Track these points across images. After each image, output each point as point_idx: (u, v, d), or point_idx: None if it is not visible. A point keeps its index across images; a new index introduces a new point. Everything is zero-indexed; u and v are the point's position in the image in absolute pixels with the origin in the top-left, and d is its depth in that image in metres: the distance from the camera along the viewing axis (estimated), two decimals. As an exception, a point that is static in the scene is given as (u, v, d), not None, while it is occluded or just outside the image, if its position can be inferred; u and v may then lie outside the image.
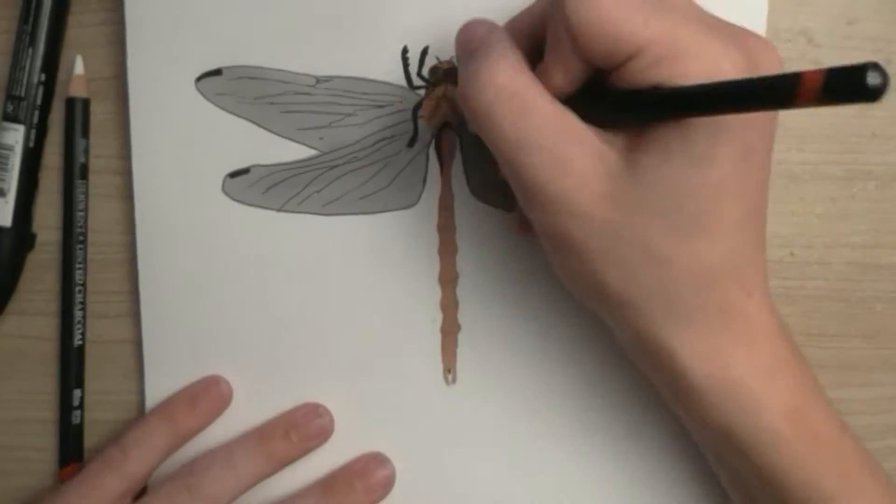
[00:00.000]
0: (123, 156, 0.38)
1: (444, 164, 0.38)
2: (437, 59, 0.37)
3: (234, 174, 0.38)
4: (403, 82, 0.37)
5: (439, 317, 0.38)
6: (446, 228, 0.38)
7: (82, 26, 0.38)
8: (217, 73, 0.37)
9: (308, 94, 0.37)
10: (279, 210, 0.38)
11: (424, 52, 0.37)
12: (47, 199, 0.39)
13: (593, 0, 0.28)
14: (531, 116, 0.29)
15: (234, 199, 0.38)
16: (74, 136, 0.38)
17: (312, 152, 0.38)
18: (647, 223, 0.29)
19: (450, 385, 0.38)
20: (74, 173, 0.38)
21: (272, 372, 0.39)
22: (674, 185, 0.28)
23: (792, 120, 0.38)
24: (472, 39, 0.32)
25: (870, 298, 0.39)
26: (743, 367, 0.30)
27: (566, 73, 0.30)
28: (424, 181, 0.38)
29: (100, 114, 0.39)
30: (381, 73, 0.37)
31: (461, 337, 0.38)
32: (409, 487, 0.39)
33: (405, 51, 0.37)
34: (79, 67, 0.38)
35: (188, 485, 0.37)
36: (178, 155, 0.38)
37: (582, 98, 0.30)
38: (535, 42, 0.32)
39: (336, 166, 0.38)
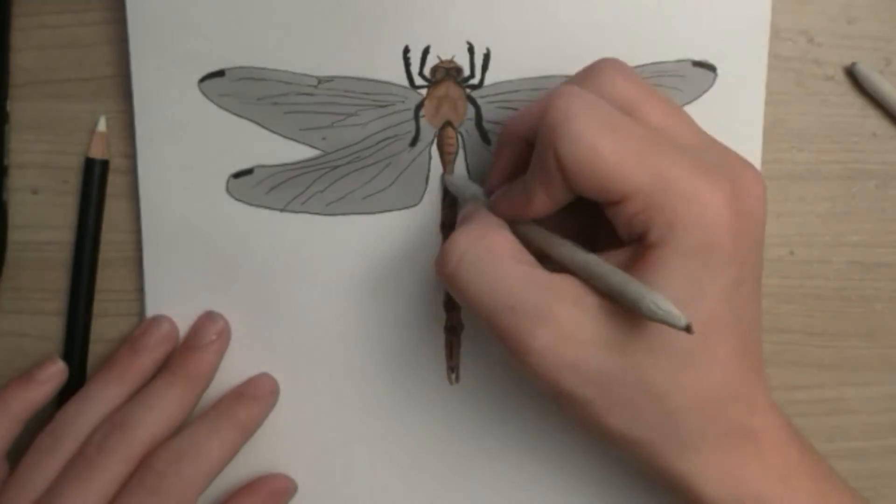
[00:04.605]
0: (127, 155, 0.38)
1: (446, 163, 0.38)
2: (439, 58, 0.37)
3: (237, 175, 0.38)
4: (405, 82, 0.37)
5: (443, 316, 0.38)
6: (449, 227, 0.38)
7: (83, 24, 0.38)
8: (220, 74, 0.37)
9: (310, 94, 0.37)
10: (283, 210, 0.38)
11: (426, 52, 0.37)
12: (49, 198, 0.39)
13: (586, 140, 0.28)
14: (497, 279, 0.29)
15: (237, 200, 0.38)
16: (91, 199, 0.38)
17: (315, 152, 0.38)
18: (638, 362, 0.29)
19: (453, 384, 0.39)
20: (86, 237, 0.38)
21: (276, 372, 0.39)
22: (660, 326, 0.28)
23: (792, 119, 0.38)
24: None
25: (870, 297, 0.39)
26: (757, 480, 0.30)
27: (549, 197, 0.30)
28: (427, 180, 0.38)
29: (102, 112, 0.39)
30: (383, 72, 0.37)
31: (465, 336, 0.38)
32: (412, 486, 0.39)
33: (406, 50, 0.37)
34: (102, 126, 0.38)
35: (149, 487, 0.34)
36: (183, 156, 0.38)
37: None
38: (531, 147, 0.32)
39: (339, 166, 0.38)
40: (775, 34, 0.37)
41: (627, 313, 0.28)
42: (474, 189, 0.36)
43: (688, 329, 0.26)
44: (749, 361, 0.30)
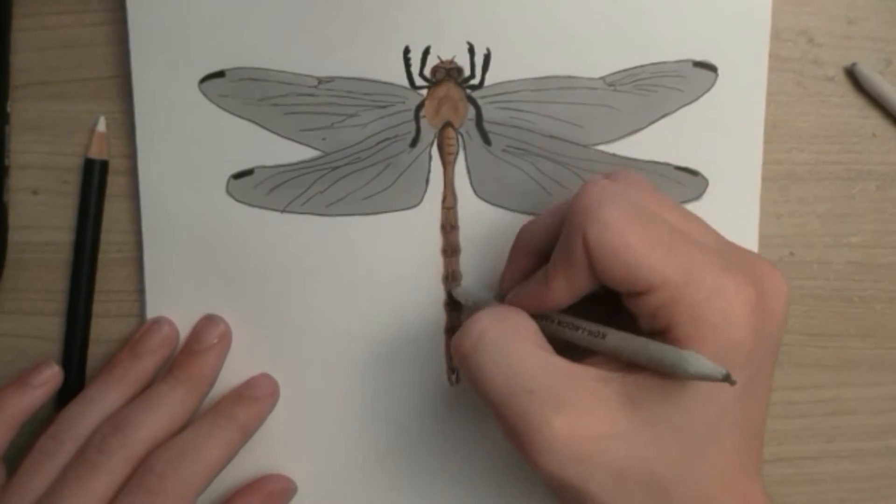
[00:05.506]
0: (127, 155, 0.38)
1: (446, 164, 0.38)
2: (439, 58, 0.37)
3: (237, 175, 0.38)
4: (405, 82, 0.37)
5: (443, 317, 0.38)
6: (449, 228, 0.38)
7: (83, 25, 0.38)
8: (220, 74, 0.37)
9: (310, 95, 0.37)
10: (283, 211, 0.38)
11: (426, 52, 0.37)
12: (49, 199, 0.39)
13: (617, 227, 0.28)
14: (518, 361, 0.29)
15: (238, 201, 0.38)
16: (90, 200, 0.38)
17: (315, 153, 0.38)
18: (648, 456, 0.28)
19: (453, 385, 0.39)
20: (86, 238, 0.38)
21: (276, 372, 0.39)
22: (675, 419, 0.28)
23: (793, 120, 0.38)
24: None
25: (870, 298, 0.39)
26: None
27: (570, 285, 0.30)
28: (427, 181, 0.38)
29: (102, 113, 0.39)
30: (383, 73, 0.37)
31: (464, 337, 0.38)
32: (412, 486, 0.39)
33: (407, 51, 0.37)
34: (101, 126, 0.38)
35: (149, 488, 0.34)
36: (183, 157, 0.38)
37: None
38: (550, 247, 0.32)
39: (339, 167, 0.38)
40: (776, 35, 0.37)
41: (643, 406, 0.28)
42: (485, 295, 0.36)
43: (727, 379, 0.26)
44: (750, 457, 0.30)
